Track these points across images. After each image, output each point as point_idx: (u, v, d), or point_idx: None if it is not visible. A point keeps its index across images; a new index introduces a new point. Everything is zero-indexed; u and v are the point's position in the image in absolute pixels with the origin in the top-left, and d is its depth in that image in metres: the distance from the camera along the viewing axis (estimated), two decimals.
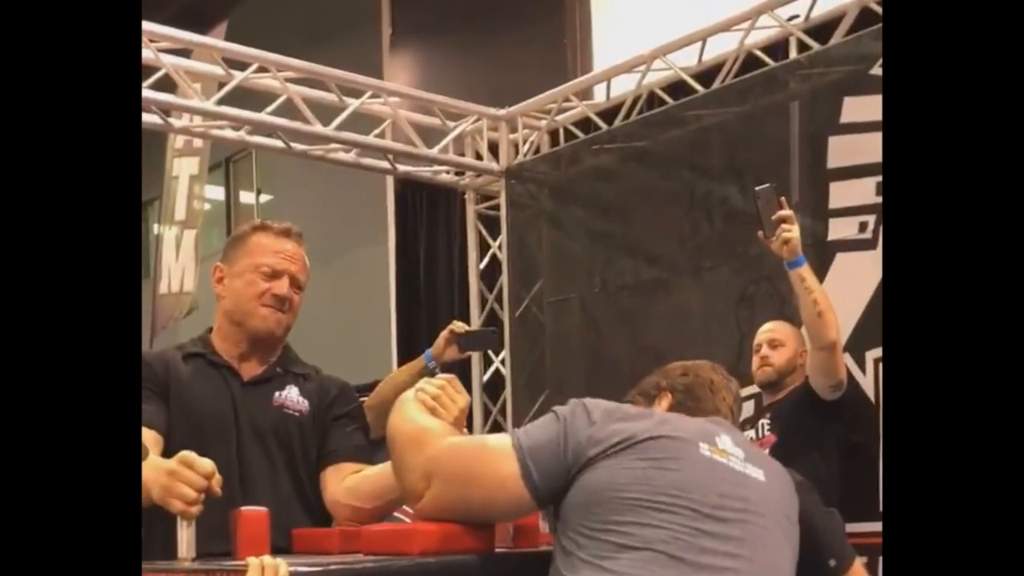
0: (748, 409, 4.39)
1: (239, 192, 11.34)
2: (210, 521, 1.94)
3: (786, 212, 3.05)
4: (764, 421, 3.56)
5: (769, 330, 3.75)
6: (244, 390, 2.30)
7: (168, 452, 2.14)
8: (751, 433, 3.59)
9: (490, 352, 5.73)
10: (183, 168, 8.16)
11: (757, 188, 3.15)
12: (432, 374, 3.62)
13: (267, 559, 1.75)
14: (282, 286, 2.30)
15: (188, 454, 1.95)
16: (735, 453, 1.87)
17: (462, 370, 5.66)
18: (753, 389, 4.35)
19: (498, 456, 1.82)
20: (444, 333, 3.50)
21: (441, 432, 1.94)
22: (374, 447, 2.46)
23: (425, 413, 1.98)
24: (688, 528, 1.73)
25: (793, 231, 3.03)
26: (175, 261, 7.77)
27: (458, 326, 3.49)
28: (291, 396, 2.33)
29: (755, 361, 3.69)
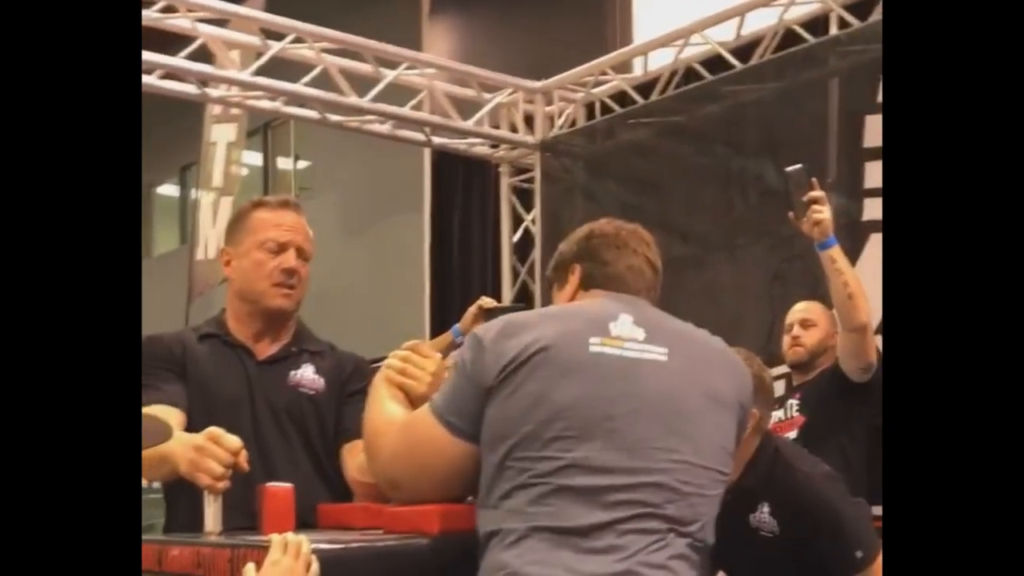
0: (779, 389, 4.39)
1: (277, 158, 11.40)
2: (232, 497, 1.97)
3: (817, 193, 3.02)
4: (793, 401, 3.55)
5: (801, 310, 3.73)
6: (259, 370, 2.31)
7: (187, 432, 2.17)
8: (779, 413, 3.57)
9: None
10: (221, 134, 8.20)
11: (788, 169, 3.12)
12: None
13: (290, 536, 1.78)
14: (289, 259, 2.30)
15: (216, 430, 1.98)
16: (632, 336, 1.77)
17: None
18: (784, 369, 4.34)
19: (423, 426, 1.82)
20: (472, 308, 3.50)
21: (392, 424, 1.93)
22: None
23: (390, 395, 1.98)
24: (584, 449, 1.69)
25: (824, 212, 3.00)
26: (212, 227, 7.81)
27: (486, 302, 3.50)
28: (306, 375, 2.33)
29: (786, 341, 3.67)
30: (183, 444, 1.99)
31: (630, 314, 1.79)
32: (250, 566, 1.75)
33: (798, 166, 3.09)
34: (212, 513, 1.97)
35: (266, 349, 2.34)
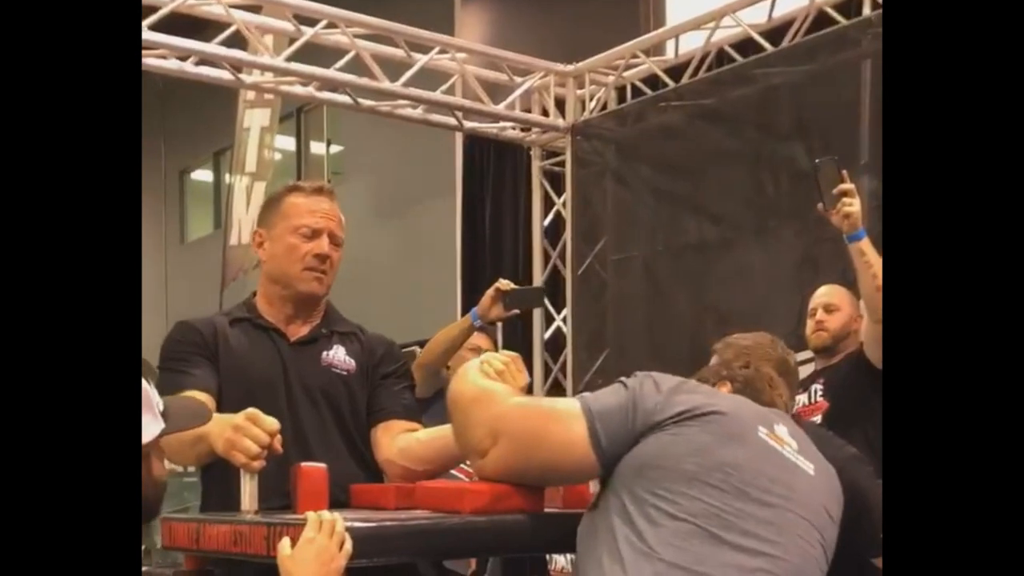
0: (805, 373, 4.38)
1: (310, 142, 11.44)
2: (267, 477, 2.01)
3: (847, 185, 3.01)
4: (817, 386, 3.54)
5: (824, 294, 3.73)
6: (292, 351, 2.34)
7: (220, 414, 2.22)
8: (803, 398, 3.58)
9: (551, 310, 5.76)
10: (254, 119, 8.25)
11: (817, 160, 3.11)
12: (483, 331, 3.67)
13: (325, 514, 1.82)
14: (322, 245, 2.33)
15: (255, 411, 2.02)
16: (790, 443, 1.91)
17: (525, 327, 5.71)
18: (810, 354, 4.34)
19: (566, 418, 1.86)
20: (490, 291, 3.51)
21: (507, 392, 1.98)
22: (421, 405, 2.51)
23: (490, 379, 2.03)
24: (733, 508, 1.76)
25: (854, 205, 2.99)
26: (245, 213, 7.87)
27: (504, 284, 3.51)
28: (338, 356, 2.37)
29: (809, 325, 3.67)
30: (220, 424, 2.03)
31: (786, 426, 1.96)
32: (285, 541, 1.79)
33: (827, 157, 3.08)
34: (248, 492, 2.02)
35: (297, 331, 2.37)
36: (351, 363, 2.38)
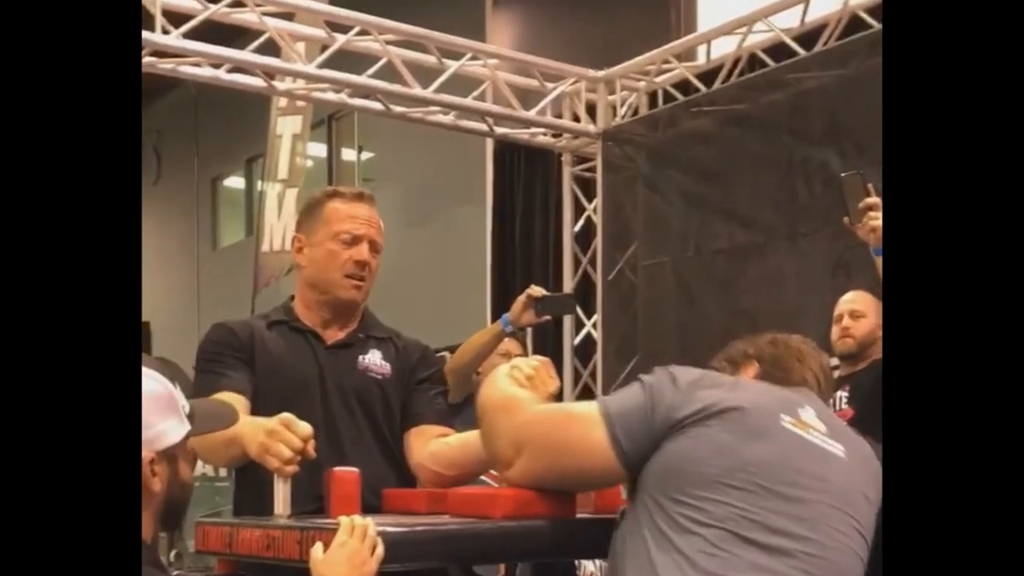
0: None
1: (341, 149, 11.49)
2: (300, 481, 2.02)
3: (873, 199, 3.00)
4: (842, 393, 3.51)
5: (851, 300, 3.71)
6: (328, 354, 2.36)
7: (256, 416, 2.22)
8: (833, 402, 3.56)
9: (581, 315, 5.75)
10: (286, 127, 8.30)
11: (843, 175, 3.10)
12: (514, 336, 3.67)
13: (357, 519, 1.83)
14: (362, 252, 2.34)
15: (289, 416, 2.03)
16: (817, 427, 1.87)
17: (555, 333, 5.71)
18: (836, 360, 4.30)
19: (586, 423, 1.85)
20: (521, 297, 3.51)
21: (531, 400, 1.98)
22: (451, 410, 2.51)
23: (516, 386, 2.02)
24: (761, 508, 1.74)
25: (880, 218, 2.99)
26: (277, 220, 7.90)
27: (535, 290, 3.51)
28: (374, 360, 2.38)
29: (835, 331, 3.65)
30: (254, 427, 2.04)
31: (813, 408, 1.90)
32: (318, 546, 1.80)
33: (853, 172, 3.08)
34: (282, 496, 2.02)
35: (334, 335, 2.39)
36: (387, 368, 2.39)
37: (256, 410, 2.22)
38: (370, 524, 1.82)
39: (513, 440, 1.93)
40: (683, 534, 1.73)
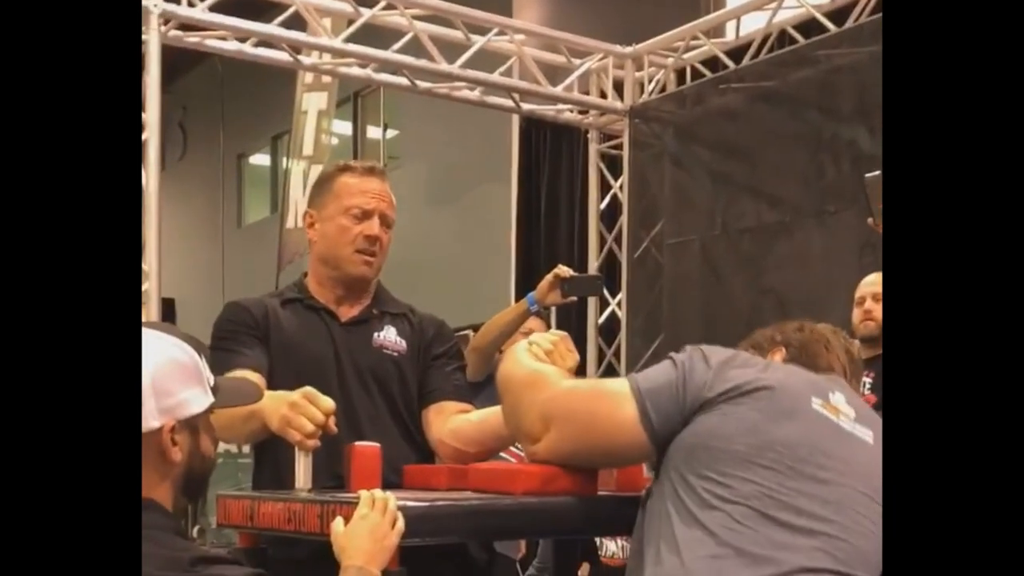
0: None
1: (366, 127, 11.48)
2: (318, 458, 2.02)
3: None
4: (867, 379, 3.47)
5: (873, 283, 3.68)
6: (343, 331, 2.34)
7: None
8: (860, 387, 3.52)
9: (606, 294, 5.73)
10: (312, 103, 8.30)
11: (866, 175, 3.07)
12: (538, 315, 3.66)
13: (378, 492, 1.82)
14: (372, 226, 2.32)
15: (311, 390, 2.02)
16: (846, 412, 1.85)
17: (579, 312, 5.69)
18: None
19: (616, 399, 1.83)
20: (548, 277, 3.50)
21: (557, 375, 1.96)
22: (473, 389, 2.50)
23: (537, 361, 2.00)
24: (787, 488, 1.72)
25: None
26: (302, 196, 7.92)
27: (563, 270, 3.50)
28: (389, 336, 2.37)
29: (857, 314, 3.61)
30: (276, 400, 2.03)
31: (842, 393, 1.89)
32: (339, 519, 1.79)
33: (876, 173, 3.03)
34: (303, 470, 2.02)
35: (348, 311, 2.37)
36: (402, 344, 2.37)
37: (271, 388, 2.22)
38: (391, 498, 1.82)
39: (541, 414, 1.92)
40: (707, 509, 1.72)
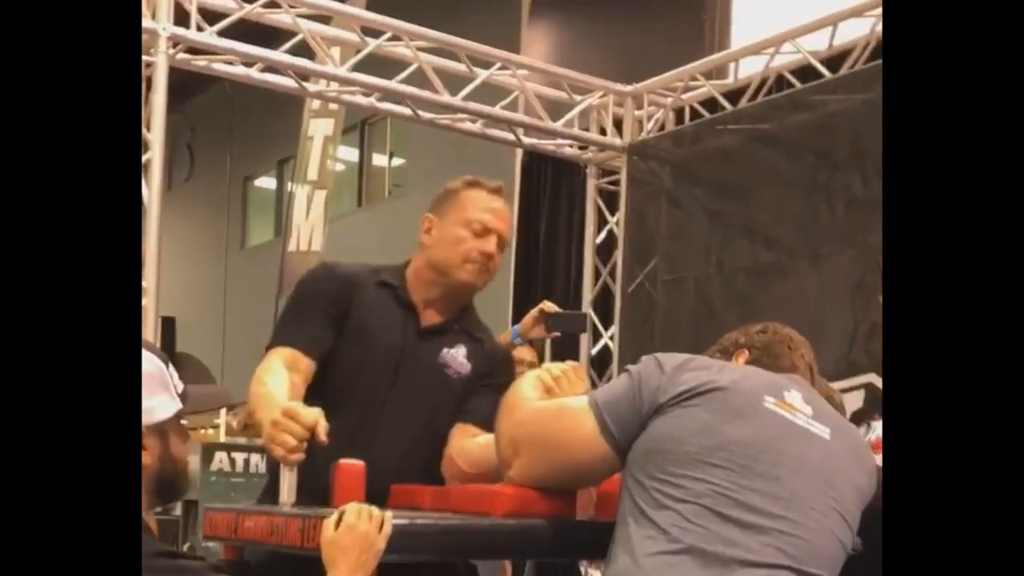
0: (857, 400, 4.35)
1: (372, 154, 11.58)
2: (316, 471, 2.04)
3: None
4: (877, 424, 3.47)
5: None
6: (417, 337, 2.36)
7: (326, 381, 2.27)
8: (877, 424, 3.51)
9: (599, 327, 5.78)
10: (318, 129, 8.36)
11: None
12: (531, 345, 3.69)
13: (363, 505, 1.87)
14: (490, 243, 2.36)
15: (293, 406, 2.06)
16: (803, 409, 1.87)
17: (571, 344, 5.73)
18: (862, 379, 4.31)
19: (577, 416, 1.88)
20: (533, 311, 3.55)
21: (530, 401, 2.01)
22: None
23: (535, 389, 2.04)
24: (739, 485, 1.75)
25: None
26: (304, 220, 7.96)
27: (548, 306, 3.54)
28: (458, 356, 2.39)
29: None
30: (265, 416, 2.09)
31: (800, 392, 1.92)
32: (329, 522, 1.84)
33: None
34: (287, 484, 2.06)
35: (432, 317, 2.39)
36: (467, 366, 2.40)
37: (334, 365, 2.26)
38: (375, 509, 1.87)
39: (510, 440, 1.97)
40: (660, 509, 1.75)
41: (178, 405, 1.73)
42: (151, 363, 1.70)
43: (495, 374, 2.41)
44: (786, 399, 1.87)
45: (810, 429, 1.86)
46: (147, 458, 1.66)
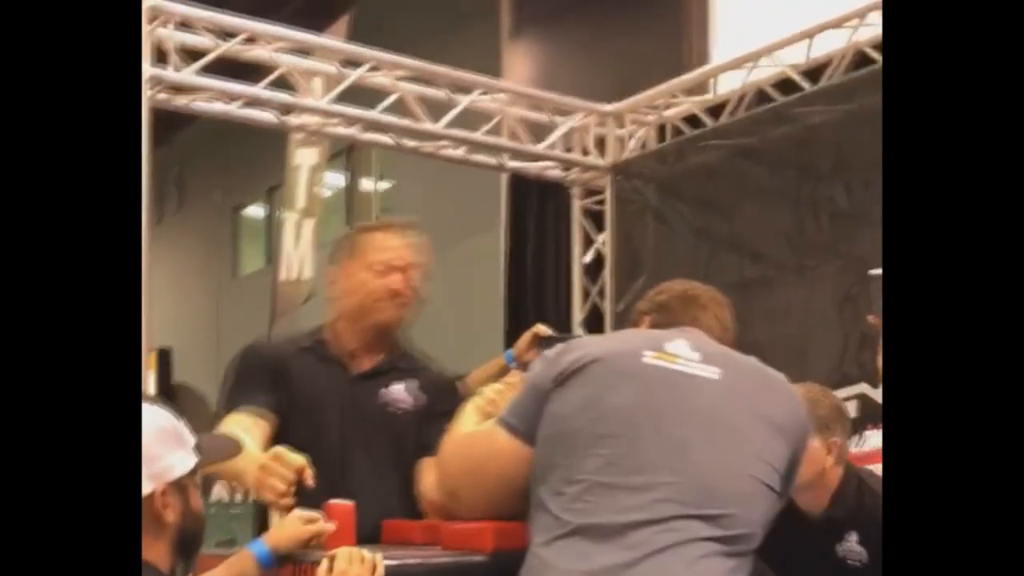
0: (851, 411, 4.35)
1: (359, 179, 11.58)
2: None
3: None
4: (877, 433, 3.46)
5: None
6: (352, 385, 2.41)
7: (279, 442, 2.26)
8: (872, 434, 3.49)
9: None
10: (304, 158, 8.38)
11: (870, 272, 3.13)
12: (522, 368, 3.71)
13: (354, 549, 1.88)
14: (395, 280, 2.40)
15: (280, 450, 2.08)
16: (687, 355, 1.87)
17: None
18: (854, 390, 4.31)
19: (488, 434, 1.94)
20: (527, 335, 3.56)
21: (458, 434, 2.06)
22: None
23: (473, 419, 2.08)
24: (627, 450, 1.76)
25: None
26: (295, 248, 7.98)
27: (541, 329, 3.56)
28: (397, 394, 2.43)
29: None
30: (251, 462, 2.09)
31: (687, 340, 1.92)
32: (324, 564, 1.85)
33: (880, 270, 3.09)
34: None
35: (361, 365, 2.44)
36: (409, 400, 2.44)
37: (284, 434, 2.26)
38: (365, 552, 1.88)
39: (442, 483, 2.03)
40: (556, 496, 1.77)
41: (194, 459, 1.74)
42: (166, 419, 1.71)
43: (442, 401, 2.45)
44: (667, 349, 1.87)
45: (694, 373, 1.85)
46: (170, 515, 1.67)
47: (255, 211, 13.74)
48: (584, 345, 1.91)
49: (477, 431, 1.99)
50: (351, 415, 2.39)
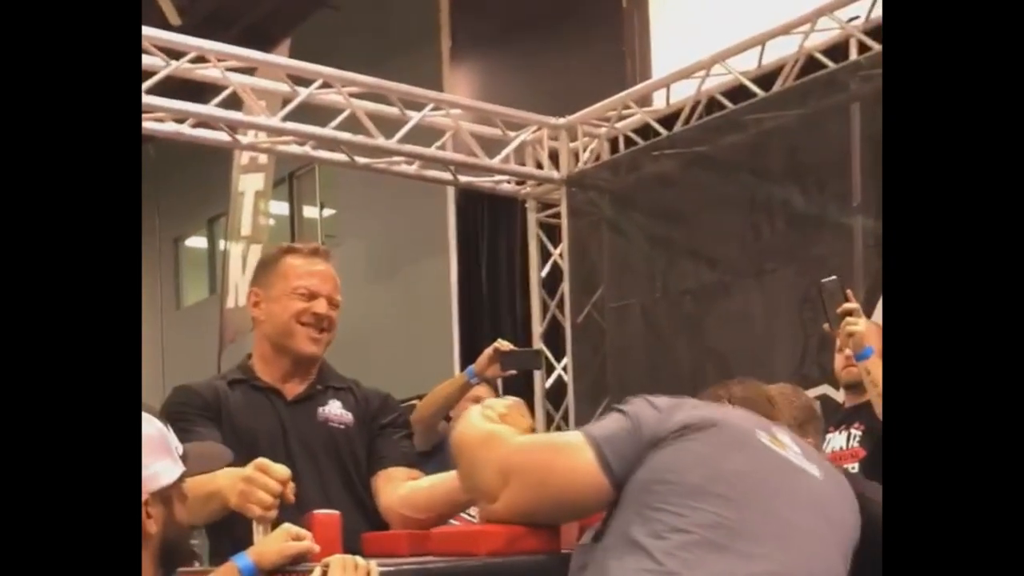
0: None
1: (303, 207, 11.51)
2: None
3: (851, 305, 3.01)
4: (856, 432, 3.48)
5: None
6: (289, 409, 2.38)
7: None
8: (841, 439, 3.48)
9: (552, 359, 5.77)
10: (248, 184, 8.31)
11: (822, 280, 3.13)
12: (487, 383, 3.67)
13: (347, 557, 1.83)
14: (320, 305, 2.37)
15: (264, 461, 2.02)
16: (793, 448, 1.91)
17: (525, 378, 5.72)
18: (816, 392, 4.33)
19: (572, 448, 1.86)
20: (488, 351, 3.55)
21: (510, 433, 1.99)
22: (421, 460, 2.52)
23: (494, 422, 2.04)
24: (738, 516, 1.75)
25: (859, 325, 2.98)
26: (242, 276, 7.90)
27: (502, 344, 3.55)
28: (334, 410, 2.40)
29: (839, 360, 3.62)
30: (231, 478, 2.03)
31: (788, 435, 1.95)
32: (318, 571, 1.79)
33: (832, 278, 3.11)
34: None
35: (294, 389, 2.41)
36: (347, 416, 2.41)
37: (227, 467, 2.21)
38: (359, 559, 1.83)
39: (499, 470, 1.93)
40: (657, 540, 1.74)
41: (180, 468, 1.67)
42: (153, 426, 1.64)
43: (381, 414, 2.43)
44: (778, 437, 1.91)
45: (802, 466, 1.89)
46: (152, 526, 1.60)
47: (196, 241, 13.60)
48: (696, 406, 1.91)
49: (563, 441, 1.93)
50: (295, 439, 2.35)
